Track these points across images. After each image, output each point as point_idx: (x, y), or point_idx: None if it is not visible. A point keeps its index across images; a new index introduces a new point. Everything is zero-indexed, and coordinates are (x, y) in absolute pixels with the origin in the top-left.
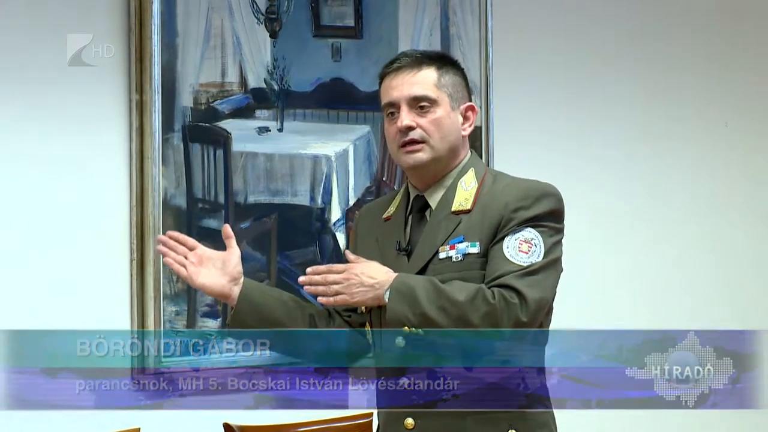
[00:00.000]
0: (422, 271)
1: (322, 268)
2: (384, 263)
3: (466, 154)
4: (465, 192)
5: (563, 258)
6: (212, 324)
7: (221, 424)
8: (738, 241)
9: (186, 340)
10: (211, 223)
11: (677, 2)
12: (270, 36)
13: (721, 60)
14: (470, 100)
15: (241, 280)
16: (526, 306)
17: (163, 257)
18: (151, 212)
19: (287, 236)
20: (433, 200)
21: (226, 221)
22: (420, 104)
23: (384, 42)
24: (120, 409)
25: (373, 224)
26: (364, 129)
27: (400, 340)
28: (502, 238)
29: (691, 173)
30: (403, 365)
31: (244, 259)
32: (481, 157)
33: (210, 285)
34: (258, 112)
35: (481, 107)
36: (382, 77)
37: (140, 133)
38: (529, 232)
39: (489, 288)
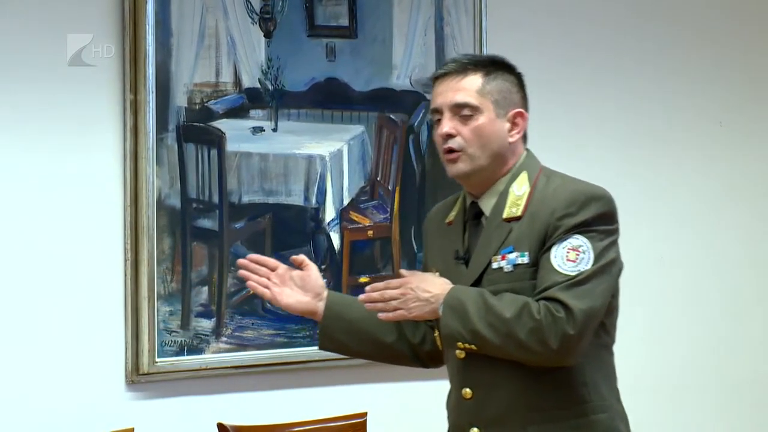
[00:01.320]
0: (478, 281)
1: (380, 285)
2: (446, 271)
3: (519, 158)
4: (516, 197)
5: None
6: (206, 324)
7: (215, 424)
8: (734, 241)
9: (180, 340)
10: (206, 223)
11: (672, 3)
12: (264, 36)
13: (715, 59)
14: (523, 106)
15: (325, 294)
16: (573, 318)
17: (246, 281)
18: (145, 212)
19: (281, 236)
20: (486, 207)
21: (221, 221)
22: (463, 112)
23: (378, 42)
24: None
25: (438, 229)
26: (358, 129)
27: (459, 352)
28: (550, 247)
29: (686, 173)
30: (465, 376)
31: (238, 258)
32: None
33: (295, 304)
34: (252, 112)
35: None
36: (433, 82)
37: (134, 132)
38: (577, 239)
39: (537, 301)
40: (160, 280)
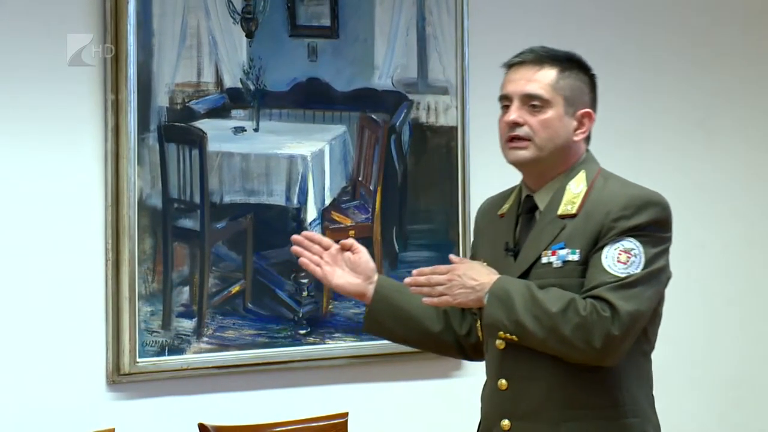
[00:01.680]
0: (526, 274)
1: (427, 269)
2: (494, 262)
3: (580, 156)
4: (573, 195)
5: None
6: (187, 324)
7: (196, 424)
8: (714, 241)
9: (161, 340)
10: (187, 223)
11: (653, 3)
12: (246, 36)
13: (697, 60)
14: (591, 107)
15: (375, 277)
16: (619, 319)
17: (298, 258)
18: (127, 212)
19: (263, 236)
20: (542, 202)
21: (202, 221)
22: (532, 102)
23: (360, 42)
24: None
25: (490, 221)
26: (340, 129)
27: (499, 342)
28: (602, 247)
29: (667, 173)
30: (502, 366)
31: (220, 259)
32: (459, 157)
33: (345, 285)
34: (234, 112)
35: (456, 107)
36: (506, 68)
37: (116, 132)
38: (630, 242)
39: (584, 299)
40: (142, 280)
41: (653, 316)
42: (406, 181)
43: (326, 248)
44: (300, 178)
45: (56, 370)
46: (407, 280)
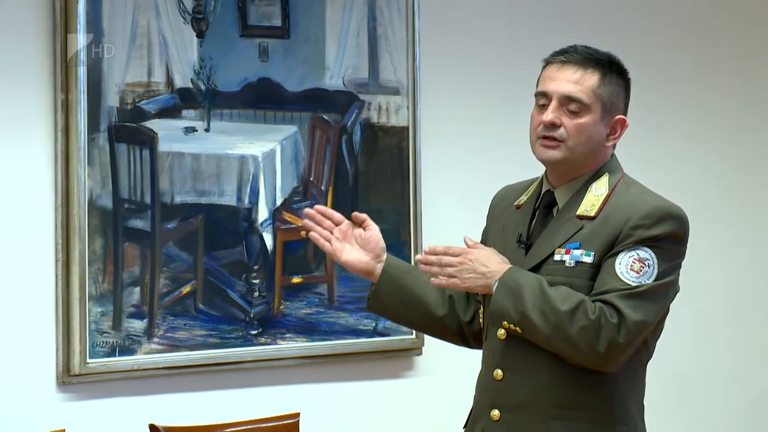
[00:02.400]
0: (536, 269)
1: (440, 248)
2: (504, 252)
3: (606, 160)
4: (594, 198)
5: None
6: (138, 325)
7: (147, 425)
8: None
9: (112, 341)
10: (138, 223)
11: (604, 4)
12: (197, 36)
13: (651, 61)
14: (624, 113)
15: (384, 256)
16: (625, 327)
17: (307, 232)
18: (77, 212)
19: (214, 236)
20: (562, 199)
21: (153, 221)
22: (571, 105)
23: (311, 42)
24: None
25: (506, 210)
26: (291, 129)
27: (501, 332)
28: (617, 253)
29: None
30: (501, 357)
31: (171, 259)
32: (411, 157)
33: (354, 261)
34: (185, 112)
35: (407, 108)
36: (547, 63)
37: (66, 132)
38: (645, 252)
39: (593, 301)
40: (92, 280)
41: (655, 327)
42: (357, 182)
43: (337, 224)
44: (251, 178)
45: (6, 371)
46: (418, 257)
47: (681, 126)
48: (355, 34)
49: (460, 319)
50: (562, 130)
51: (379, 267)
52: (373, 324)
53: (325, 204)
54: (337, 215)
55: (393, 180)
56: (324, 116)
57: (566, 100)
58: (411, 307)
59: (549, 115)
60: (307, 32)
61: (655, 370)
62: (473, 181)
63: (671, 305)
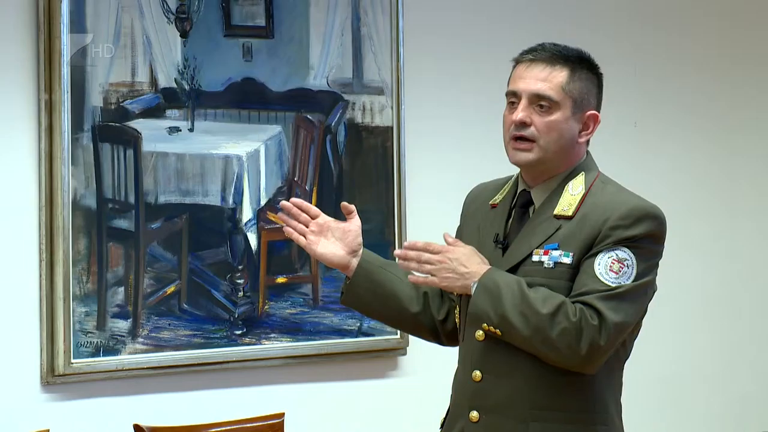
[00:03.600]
0: (514, 270)
1: (420, 244)
2: (480, 252)
3: (581, 158)
4: (571, 197)
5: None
6: (123, 325)
7: (132, 425)
8: None
9: (96, 341)
10: (122, 223)
11: (584, 4)
12: (180, 35)
13: (629, 60)
14: (597, 108)
15: (360, 251)
16: (606, 329)
17: (283, 226)
18: (61, 212)
19: (198, 236)
20: (538, 199)
21: (137, 221)
22: (541, 102)
23: (295, 42)
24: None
25: (480, 208)
26: (275, 129)
27: (480, 333)
28: (596, 254)
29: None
30: (479, 358)
31: (155, 259)
32: (395, 157)
33: (329, 255)
34: (168, 112)
35: (392, 108)
36: (516, 62)
37: (49, 132)
38: (624, 252)
39: (573, 303)
40: (76, 280)
41: (634, 327)
42: (341, 182)
43: (314, 217)
44: (235, 178)
45: None
46: (397, 252)
47: (659, 125)
48: (339, 34)
49: (434, 316)
50: (532, 129)
51: (355, 261)
52: (358, 324)
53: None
54: (314, 209)
55: (377, 180)
56: (308, 116)
57: (535, 98)
58: (385, 303)
59: (519, 114)
60: (291, 32)
61: (636, 371)
62: (457, 180)
63: (652, 305)
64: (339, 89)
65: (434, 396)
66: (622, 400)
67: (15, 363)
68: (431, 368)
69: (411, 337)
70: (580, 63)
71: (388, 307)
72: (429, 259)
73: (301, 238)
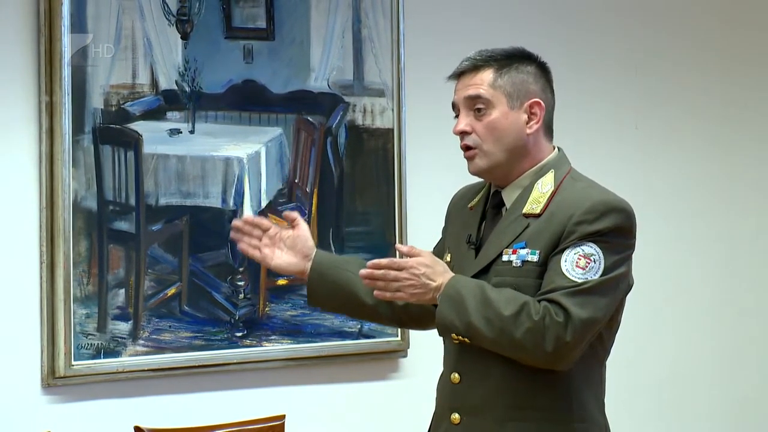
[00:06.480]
0: (486, 270)
1: (384, 262)
2: (456, 254)
3: (550, 153)
4: (539, 195)
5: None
6: (123, 327)
7: (132, 427)
8: (649, 244)
9: (97, 343)
10: (122, 225)
11: (585, 7)
12: (181, 37)
13: (631, 62)
14: (542, 95)
15: (313, 254)
16: (572, 325)
17: (237, 243)
18: (62, 214)
19: (199, 238)
20: (509, 199)
21: (138, 223)
22: (477, 106)
23: (296, 44)
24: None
25: (461, 210)
26: (276, 131)
27: (455, 335)
28: (562, 250)
29: (601, 176)
30: (457, 360)
31: (155, 261)
32: (396, 159)
33: (284, 265)
34: (169, 114)
35: (392, 110)
36: (453, 81)
37: (50, 134)
38: (590, 247)
39: (539, 302)
40: (77, 282)
41: (610, 322)
42: (342, 184)
43: (265, 230)
44: (236, 180)
45: None
46: (362, 272)
47: (660, 127)
48: (340, 36)
49: (394, 304)
50: (474, 136)
51: (309, 265)
52: (359, 326)
53: (310, 206)
54: (266, 222)
55: (378, 182)
56: (309, 118)
57: (470, 102)
58: (344, 300)
59: (459, 125)
60: (292, 34)
61: (637, 372)
62: (458, 182)
63: (652, 306)
64: (340, 91)
65: (434, 398)
66: (622, 400)
67: (16, 365)
68: (432, 370)
69: (412, 340)
70: (508, 59)
71: (348, 302)
72: (396, 276)
73: (256, 252)
